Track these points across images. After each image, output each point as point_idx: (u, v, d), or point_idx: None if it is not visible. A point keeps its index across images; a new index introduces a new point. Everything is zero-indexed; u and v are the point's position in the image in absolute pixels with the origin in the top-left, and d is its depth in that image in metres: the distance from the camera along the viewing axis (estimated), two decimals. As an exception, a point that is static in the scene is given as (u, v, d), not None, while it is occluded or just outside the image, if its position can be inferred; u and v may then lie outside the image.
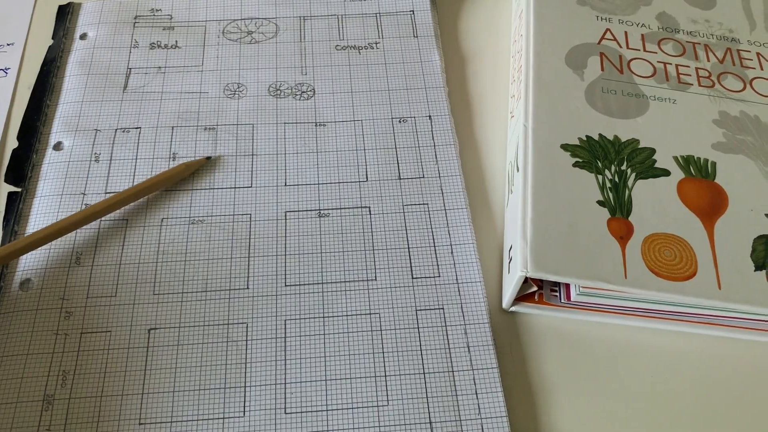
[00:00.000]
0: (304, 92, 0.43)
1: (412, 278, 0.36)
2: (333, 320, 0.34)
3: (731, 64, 0.40)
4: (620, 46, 0.41)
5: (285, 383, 0.32)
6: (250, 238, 0.37)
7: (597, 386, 0.33)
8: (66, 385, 0.32)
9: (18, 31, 0.47)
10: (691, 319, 0.34)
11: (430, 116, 0.42)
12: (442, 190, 0.39)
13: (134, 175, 0.39)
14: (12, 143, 0.40)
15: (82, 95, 0.42)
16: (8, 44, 0.46)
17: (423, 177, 0.39)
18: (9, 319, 0.34)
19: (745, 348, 0.35)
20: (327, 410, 0.32)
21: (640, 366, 0.34)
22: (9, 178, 0.39)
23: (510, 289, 0.33)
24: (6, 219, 0.37)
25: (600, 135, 0.36)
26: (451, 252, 0.37)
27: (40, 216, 0.37)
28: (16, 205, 0.38)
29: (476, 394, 0.32)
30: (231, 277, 0.35)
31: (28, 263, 0.35)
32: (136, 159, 0.40)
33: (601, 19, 0.42)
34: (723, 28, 0.42)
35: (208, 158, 0.39)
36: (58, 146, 0.40)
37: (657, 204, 0.34)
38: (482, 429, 0.31)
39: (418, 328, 0.34)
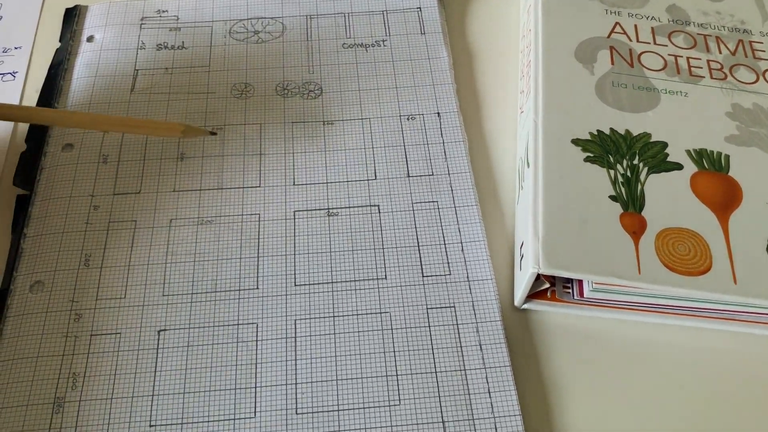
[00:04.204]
0: (311, 91, 0.43)
1: (423, 276, 0.35)
2: (343, 319, 0.34)
3: (743, 56, 0.40)
4: (630, 40, 0.40)
5: (296, 383, 0.32)
6: (259, 238, 0.37)
7: (612, 384, 0.33)
8: (76, 387, 0.32)
9: (25, 34, 0.47)
10: (706, 315, 0.33)
11: (438, 113, 0.42)
12: (451, 187, 0.39)
13: (142, 177, 0.39)
14: (20, 146, 0.40)
15: (90, 97, 0.42)
16: (16, 48, 0.46)
17: (432, 174, 0.39)
18: (19, 321, 0.34)
19: (764, 343, 0.34)
20: (338, 410, 0.31)
21: (655, 363, 0.33)
22: (18, 181, 0.39)
23: (522, 286, 0.33)
24: (15, 222, 0.37)
25: (611, 129, 0.36)
26: (462, 249, 0.36)
27: (49, 218, 0.37)
28: (26, 208, 0.37)
29: (489, 392, 0.32)
30: (240, 278, 0.35)
31: (38, 266, 0.35)
32: (144, 160, 0.39)
33: (611, 12, 0.41)
34: (734, 20, 0.41)
35: (213, 134, 0.39)
36: (66, 148, 0.40)
37: (670, 198, 0.33)
38: (495, 428, 0.31)
39: (429, 326, 0.34)
